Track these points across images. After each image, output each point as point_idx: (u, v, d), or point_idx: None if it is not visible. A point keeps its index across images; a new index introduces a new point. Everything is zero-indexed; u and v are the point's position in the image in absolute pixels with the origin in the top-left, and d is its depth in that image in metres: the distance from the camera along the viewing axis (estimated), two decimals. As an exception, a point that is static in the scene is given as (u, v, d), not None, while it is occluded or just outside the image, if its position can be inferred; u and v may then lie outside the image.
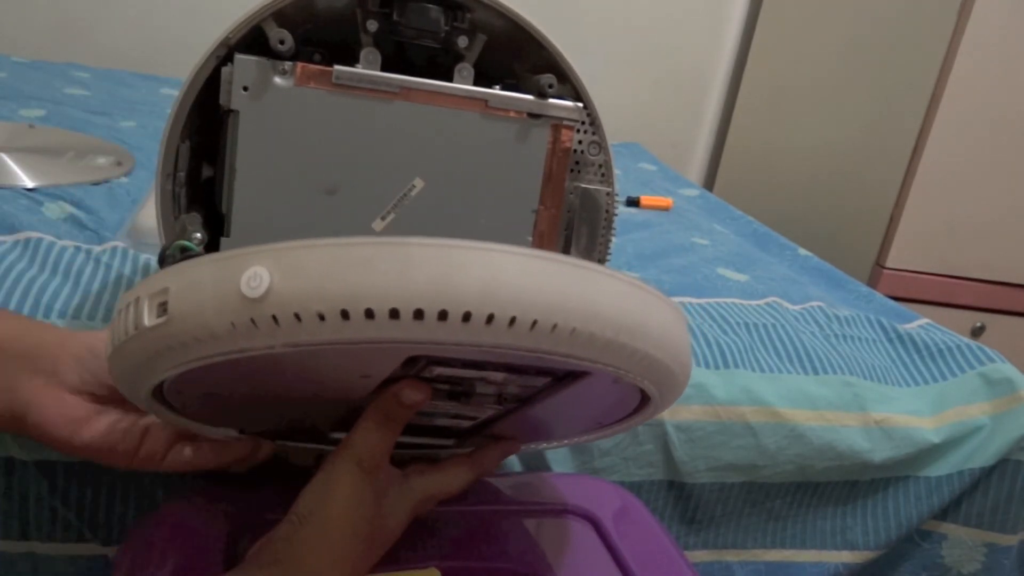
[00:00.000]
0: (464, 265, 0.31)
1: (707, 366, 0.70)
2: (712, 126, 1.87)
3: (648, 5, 1.74)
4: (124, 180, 0.89)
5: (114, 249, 0.71)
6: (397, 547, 0.45)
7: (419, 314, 0.31)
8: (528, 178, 0.55)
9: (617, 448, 0.66)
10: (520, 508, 0.56)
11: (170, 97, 1.31)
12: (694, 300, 0.82)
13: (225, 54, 0.51)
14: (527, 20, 0.53)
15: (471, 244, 0.32)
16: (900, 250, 1.26)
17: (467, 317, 0.31)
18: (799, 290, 0.90)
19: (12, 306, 0.59)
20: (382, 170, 0.53)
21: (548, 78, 0.54)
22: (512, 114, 0.54)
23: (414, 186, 0.54)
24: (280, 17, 0.51)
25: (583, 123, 0.56)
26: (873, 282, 1.27)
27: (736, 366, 0.71)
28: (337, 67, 0.51)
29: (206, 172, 0.57)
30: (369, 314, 0.31)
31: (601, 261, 0.58)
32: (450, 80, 0.53)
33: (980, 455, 0.73)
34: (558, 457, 0.65)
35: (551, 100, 0.54)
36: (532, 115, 0.54)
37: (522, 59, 0.56)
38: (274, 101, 0.51)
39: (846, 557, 0.74)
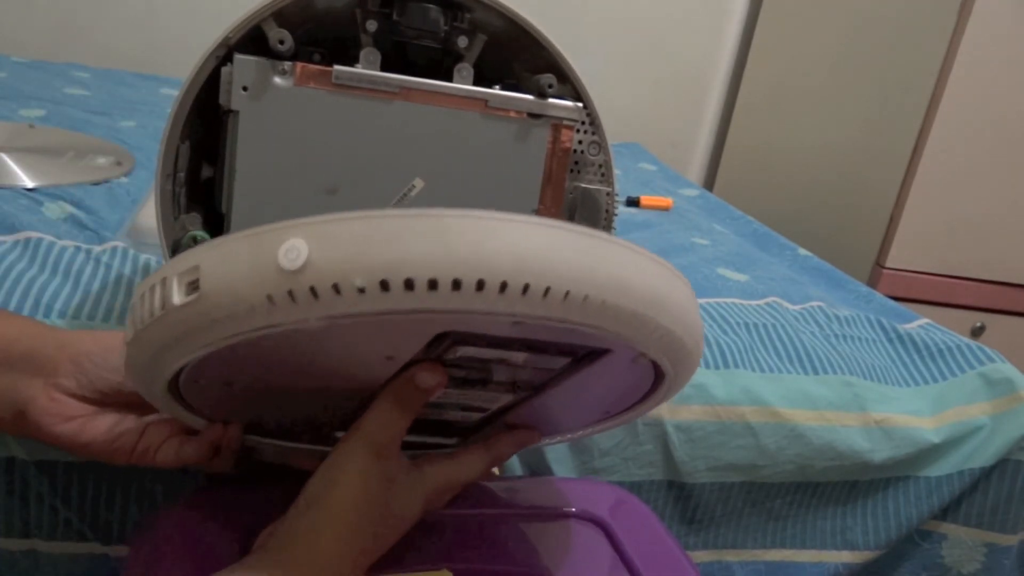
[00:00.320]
0: (501, 236, 0.32)
1: (707, 366, 0.70)
2: (712, 126, 1.87)
3: (648, 5, 1.74)
4: (124, 180, 0.89)
5: (114, 249, 0.71)
6: (409, 549, 0.45)
7: (457, 284, 0.31)
8: (528, 178, 0.55)
9: (617, 448, 0.66)
10: (529, 512, 0.56)
11: (170, 97, 1.31)
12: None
13: (225, 54, 0.51)
14: (527, 20, 0.53)
15: (506, 216, 0.32)
16: (900, 250, 1.26)
17: (503, 287, 0.31)
18: (799, 290, 0.90)
19: (12, 306, 0.59)
20: (382, 170, 0.53)
21: (548, 78, 0.54)
22: (512, 114, 0.54)
23: (414, 186, 0.54)
24: (280, 17, 0.51)
25: (583, 123, 0.56)
26: (873, 282, 1.27)
27: (736, 366, 0.71)
28: (337, 67, 0.51)
29: (206, 172, 0.57)
30: (408, 284, 0.31)
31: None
32: (450, 80, 0.53)
33: (980, 455, 0.73)
34: (558, 457, 0.65)
35: (551, 100, 0.54)
36: (532, 115, 0.54)
37: (522, 59, 0.56)
38: (274, 101, 0.51)
39: (846, 557, 0.74)
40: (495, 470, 0.61)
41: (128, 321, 0.36)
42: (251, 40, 0.51)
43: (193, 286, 0.33)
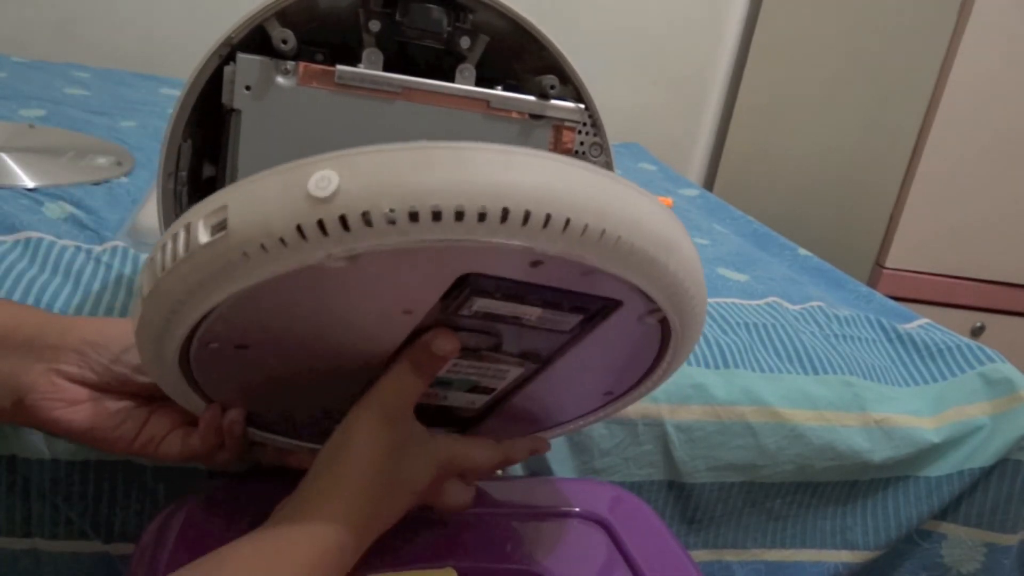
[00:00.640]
0: (524, 168, 0.33)
1: (707, 366, 0.70)
2: (712, 126, 1.87)
3: (648, 6, 1.74)
4: (124, 180, 0.89)
5: (114, 249, 0.71)
6: (413, 546, 0.45)
7: (482, 216, 0.32)
8: (529, 178, 0.56)
9: (617, 448, 0.66)
10: (531, 511, 0.56)
11: (170, 97, 1.31)
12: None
13: (228, 53, 0.51)
14: (529, 21, 0.53)
15: (531, 152, 0.33)
16: (900, 250, 1.26)
17: (526, 218, 0.32)
18: (799, 290, 0.91)
19: (13, 305, 0.59)
20: (384, 170, 0.53)
21: (550, 79, 0.54)
22: (514, 115, 0.54)
23: (416, 186, 0.54)
24: (283, 17, 0.51)
25: (584, 124, 0.56)
26: (873, 282, 1.27)
27: (736, 366, 0.71)
28: (339, 67, 0.51)
29: (207, 171, 0.57)
30: (436, 215, 0.32)
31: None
32: (452, 81, 0.54)
33: (980, 455, 0.73)
34: (559, 458, 0.65)
35: (553, 101, 0.55)
36: (534, 116, 0.55)
37: (524, 60, 0.56)
38: (276, 100, 0.51)
39: (846, 557, 0.74)
40: (498, 472, 0.61)
41: (144, 277, 0.36)
42: (254, 40, 0.52)
43: (220, 226, 0.33)
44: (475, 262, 0.35)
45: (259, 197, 0.33)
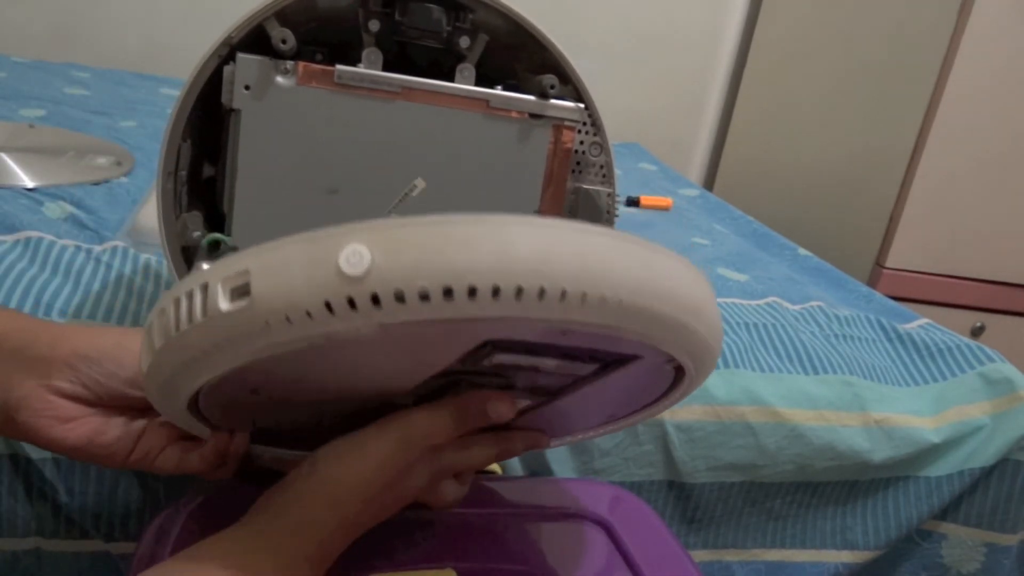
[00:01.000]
0: (563, 245, 0.32)
1: (707, 366, 0.70)
2: (712, 126, 1.87)
3: (649, 6, 1.74)
4: (124, 180, 0.89)
5: (114, 249, 0.71)
6: (413, 548, 0.45)
7: (519, 292, 0.31)
8: (529, 178, 0.56)
9: (617, 448, 0.66)
10: (530, 512, 0.56)
11: (170, 97, 1.31)
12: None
13: (227, 53, 0.51)
14: (529, 21, 0.53)
15: (567, 225, 0.33)
16: (900, 250, 1.26)
17: (563, 295, 0.32)
18: (799, 290, 0.91)
19: (12, 305, 0.59)
20: (384, 170, 0.54)
21: (550, 79, 0.54)
22: (514, 114, 0.54)
23: (415, 186, 0.54)
24: (282, 16, 0.51)
25: (584, 124, 0.56)
26: (873, 282, 1.27)
27: (736, 366, 0.71)
28: (339, 67, 0.51)
29: (207, 171, 0.57)
30: (472, 292, 0.31)
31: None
32: (452, 80, 0.53)
33: (980, 455, 0.73)
34: (558, 458, 0.65)
35: (552, 101, 0.55)
36: (533, 115, 0.55)
37: (524, 60, 0.56)
38: (276, 100, 0.51)
39: (846, 557, 0.74)
40: (498, 469, 0.61)
41: (155, 329, 0.35)
42: (253, 39, 0.52)
43: (240, 292, 0.32)
44: (506, 330, 0.35)
45: (284, 267, 0.32)
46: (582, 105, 0.55)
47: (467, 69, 0.54)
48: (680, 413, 0.67)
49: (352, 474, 0.40)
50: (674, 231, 1.10)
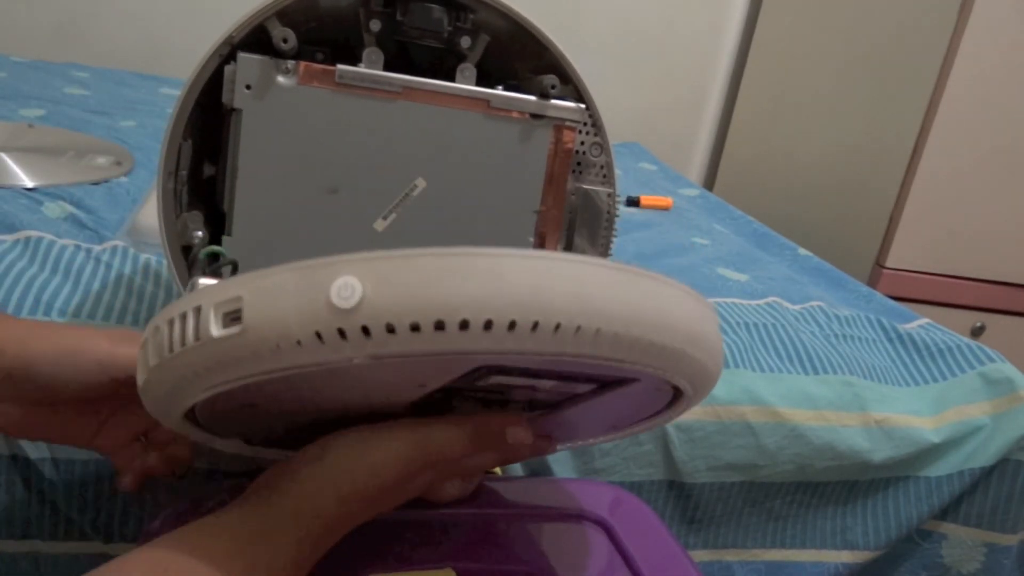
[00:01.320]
0: (556, 278, 0.32)
1: (708, 366, 0.70)
2: (712, 126, 1.87)
3: (649, 6, 1.74)
4: (124, 180, 0.89)
5: (114, 248, 0.71)
6: (412, 548, 0.45)
7: (512, 325, 0.31)
8: (530, 179, 0.56)
9: (617, 448, 0.66)
10: (530, 512, 0.56)
11: (170, 97, 1.31)
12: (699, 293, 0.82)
13: (228, 53, 0.51)
14: (530, 21, 0.53)
15: (561, 256, 0.33)
16: (900, 250, 1.26)
17: (557, 328, 0.32)
18: (799, 290, 0.91)
19: (12, 304, 0.59)
20: (384, 170, 0.54)
21: (550, 79, 0.54)
22: (514, 115, 0.54)
23: (416, 186, 0.54)
24: (283, 16, 0.51)
25: (585, 124, 0.56)
26: (873, 282, 1.27)
27: (736, 366, 0.71)
28: (340, 66, 0.51)
29: (207, 171, 0.57)
30: (464, 325, 0.31)
31: (602, 261, 0.58)
32: (452, 80, 0.53)
33: (980, 455, 0.73)
34: (558, 458, 0.65)
35: (553, 101, 0.55)
36: (534, 116, 0.55)
37: (524, 60, 0.56)
38: (277, 100, 0.51)
39: (846, 557, 0.74)
40: (498, 470, 0.61)
41: (150, 346, 0.35)
42: (255, 39, 0.51)
43: (232, 318, 0.32)
44: (499, 360, 0.35)
45: (276, 295, 0.32)
46: (583, 105, 0.55)
47: (468, 69, 0.54)
48: (680, 413, 0.67)
49: (362, 468, 0.40)
50: (674, 231, 1.10)
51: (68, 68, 1.41)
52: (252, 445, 0.49)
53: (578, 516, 0.56)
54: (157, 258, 0.71)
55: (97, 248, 0.70)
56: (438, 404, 0.42)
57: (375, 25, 0.52)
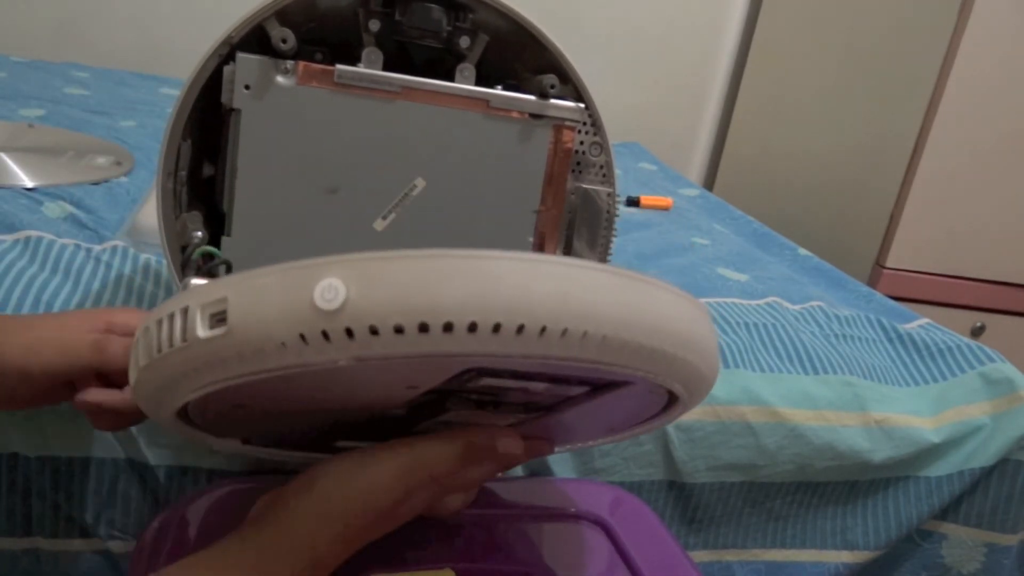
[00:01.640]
0: (542, 280, 0.32)
1: (707, 366, 0.70)
2: (712, 126, 1.87)
3: (649, 6, 1.74)
4: (124, 180, 0.89)
5: (114, 248, 0.71)
6: (412, 548, 0.45)
7: (497, 328, 0.31)
8: (530, 178, 0.56)
9: (617, 448, 0.66)
10: (530, 512, 0.56)
11: (170, 97, 1.31)
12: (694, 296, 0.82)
13: (227, 53, 0.51)
14: (529, 21, 0.53)
15: (546, 258, 0.32)
16: (900, 250, 1.26)
17: (543, 331, 0.31)
18: (799, 290, 0.91)
19: (12, 303, 0.59)
20: (383, 169, 0.54)
21: (550, 79, 0.54)
22: (514, 114, 0.54)
23: (415, 186, 0.54)
24: (282, 16, 0.51)
25: (584, 124, 0.56)
26: (873, 282, 1.27)
27: (736, 366, 0.71)
28: (339, 66, 0.51)
29: (207, 171, 0.57)
30: (448, 327, 0.31)
31: (602, 262, 0.58)
32: (452, 80, 0.53)
33: (980, 455, 0.73)
34: (558, 458, 0.65)
35: (553, 101, 0.54)
36: (534, 116, 0.55)
37: (524, 60, 0.56)
38: (276, 100, 0.51)
39: (846, 557, 0.74)
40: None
41: (140, 346, 0.36)
42: (254, 39, 0.52)
43: (219, 319, 0.32)
44: (486, 362, 0.34)
45: (261, 297, 0.32)
46: (582, 105, 0.55)
47: (467, 69, 0.54)
48: (680, 413, 0.67)
49: (352, 496, 0.40)
50: (674, 231, 1.10)
51: (68, 68, 1.41)
52: (250, 445, 0.49)
53: (578, 516, 0.56)
54: (157, 258, 0.71)
55: (97, 248, 0.70)
56: (432, 405, 0.42)
57: (374, 25, 0.52)
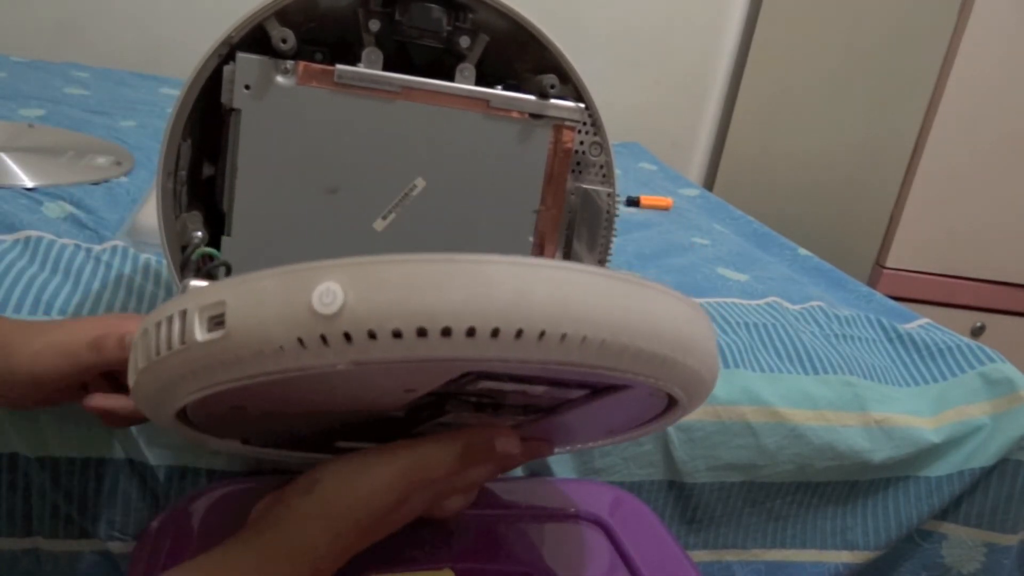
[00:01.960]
0: (541, 286, 0.31)
1: (708, 366, 0.70)
2: (712, 126, 1.87)
3: (649, 6, 1.74)
4: (123, 180, 0.89)
5: (114, 248, 0.71)
6: (411, 548, 0.45)
7: (495, 333, 0.31)
8: (530, 178, 0.56)
9: (617, 448, 0.66)
10: (530, 512, 0.56)
11: (170, 97, 1.31)
12: (694, 300, 0.82)
13: (227, 53, 0.51)
14: (529, 21, 0.53)
15: (545, 263, 0.32)
16: (900, 250, 1.26)
17: (542, 335, 0.31)
18: (799, 290, 0.91)
19: (12, 303, 0.59)
20: (383, 170, 0.54)
21: (550, 78, 0.54)
22: (514, 114, 0.54)
23: (415, 186, 0.54)
24: (282, 16, 0.51)
25: (584, 124, 0.56)
26: (873, 282, 1.27)
27: (736, 366, 0.71)
28: (339, 66, 0.51)
29: (207, 171, 0.57)
30: (446, 332, 0.31)
31: (602, 262, 0.58)
32: (452, 80, 0.53)
33: (980, 455, 0.73)
34: (558, 458, 0.65)
35: (553, 101, 0.54)
36: (534, 115, 0.54)
37: (524, 60, 0.56)
38: (276, 100, 0.51)
39: (846, 557, 0.74)
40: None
41: (139, 349, 0.36)
42: (254, 39, 0.51)
43: (216, 322, 0.32)
44: (484, 366, 0.34)
45: (259, 300, 0.32)
46: (582, 105, 0.55)
47: (467, 69, 0.54)
48: (680, 413, 0.67)
49: (352, 499, 0.40)
50: (674, 231, 1.10)
51: (68, 68, 1.41)
52: (250, 445, 0.49)
53: (578, 516, 0.56)
54: (157, 258, 0.71)
55: (97, 248, 0.70)
56: (432, 407, 0.42)
57: (374, 25, 0.52)
